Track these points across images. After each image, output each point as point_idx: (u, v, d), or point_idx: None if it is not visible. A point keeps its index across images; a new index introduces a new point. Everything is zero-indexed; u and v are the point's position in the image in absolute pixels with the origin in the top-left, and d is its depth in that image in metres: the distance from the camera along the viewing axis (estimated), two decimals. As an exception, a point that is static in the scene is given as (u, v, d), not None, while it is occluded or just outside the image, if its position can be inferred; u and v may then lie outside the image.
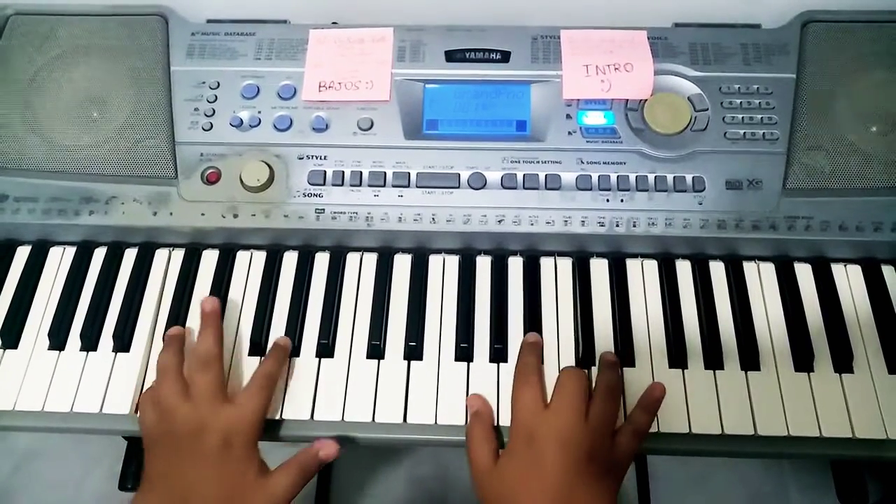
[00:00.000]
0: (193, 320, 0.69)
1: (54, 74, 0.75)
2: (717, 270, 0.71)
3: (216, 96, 0.74)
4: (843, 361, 0.65)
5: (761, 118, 0.71)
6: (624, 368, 0.66)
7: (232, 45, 0.76)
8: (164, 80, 0.74)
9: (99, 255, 0.72)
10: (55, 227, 0.71)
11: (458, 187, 0.70)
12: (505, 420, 0.63)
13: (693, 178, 0.70)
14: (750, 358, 0.66)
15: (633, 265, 0.71)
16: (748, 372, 0.65)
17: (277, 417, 0.63)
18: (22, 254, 0.72)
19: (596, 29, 0.76)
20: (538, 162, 0.71)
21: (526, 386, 0.62)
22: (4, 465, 1.27)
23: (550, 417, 0.59)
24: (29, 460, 1.27)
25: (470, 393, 0.65)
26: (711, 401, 0.64)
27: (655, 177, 0.70)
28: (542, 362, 0.65)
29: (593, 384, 0.63)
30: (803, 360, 0.65)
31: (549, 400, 0.61)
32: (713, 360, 0.66)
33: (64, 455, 1.27)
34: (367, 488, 1.22)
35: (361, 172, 0.71)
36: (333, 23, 0.78)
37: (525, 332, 0.67)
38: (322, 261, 0.72)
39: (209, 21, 0.78)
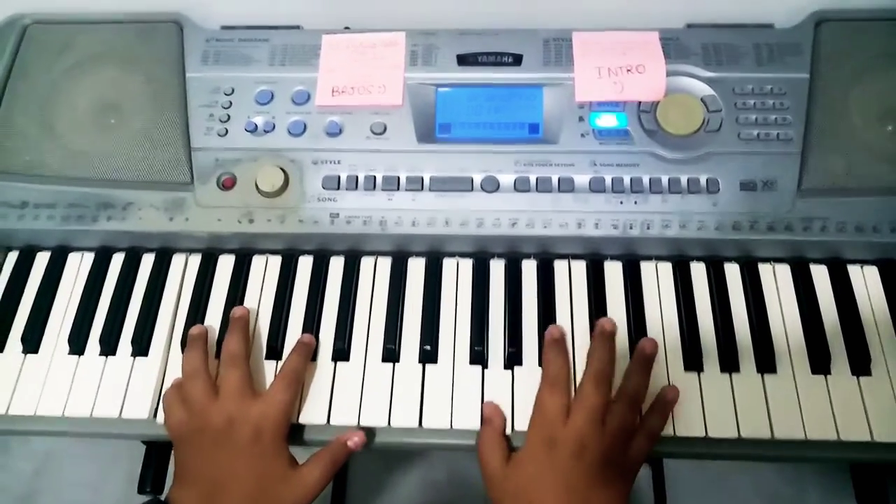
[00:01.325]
0: (210, 324, 0.69)
1: (72, 82, 0.76)
2: (733, 272, 0.70)
3: (231, 102, 0.74)
4: (860, 364, 0.65)
5: (775, 118, 0.71)
6: (637, 370, 0.65)
7: (246, 52, 0.76)
8: (180, 86, 0.75)
9: (117, 260, 0.73)
10: (74, 233, 0.72)
11: (472, 190, 0.70)
12: (519, 425, 0.63)
13: (707, 179, 0.69)
14: (766, 360, 0.65)
15: (647, 267, 0.71)
16: (764, 374, 0.65)
17: (294, 421, 0.64)
18: (42, 260, 0.73)
19: (607, 31, 0.76)
20: (551, 164, 0.71)
21: (554, 391, 0.62)
22: (26, 468, 1.28)
23: (570, 427, 0.59)
24: (50, 462, 1.29)
25: (485, 396, 0.65)
26: (727, 404, 0.63)
27: (669, 178, 0.70)
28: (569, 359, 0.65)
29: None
30: (820, 362, 0.65)
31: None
32: (729, 362, 0.65)
33: (84, 458, 1.28)
34: (381, 492, 1.22)
35: (375, 176, 0.71)
36: (346, 28, 0.79)
37: (540, 336, 0.67)
38: (337, 265, 0.72)
39: (223, 28, 0.79)
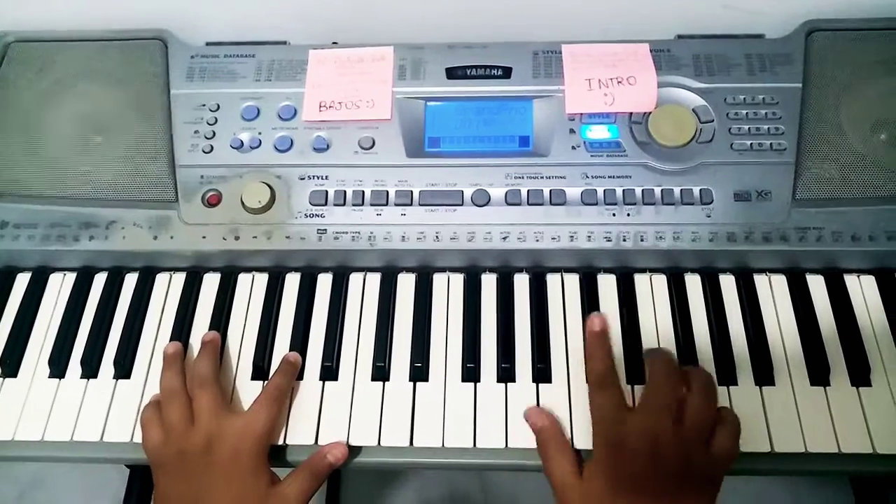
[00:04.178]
0: (195, 345, 0.67)
1: (54, 100, 0.75)
2: (728, 284, 0.69)
3: (216, 118, 0.73)
4: (860, 374, 0.64)
5: (768, 128, 0.70)
6: (634, 386, 0.64)
7: (231, 67, 0.75)
8: (164, 103, 0.74)
9: (99, 280, 0.71)
10: (55, 253, 0.70)
11: (462, 204, 0.69)
12: (514, 442, 0.61)
13: (700, 190, 0.69)
14: (764, 373, 0.64)
15: (641, 280, 0.70)
16: (762, 387, 0.64)
17: (281, 443, 0.62)
18: (22, 281, 0.72)
19: (597, 43, 0.75)
20: (542, 177, 0.70)
21: (602, 390, 0.59)
22: (9, 493, 1.26)
23: (638, 419, 0.56)
24: (33, 488, 1.26)
25: (478, 414, 0.63)
26: (726, 418, 0.62)
27: (662, 190, 0.69)
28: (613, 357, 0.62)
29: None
30: (819, 373, 0.64)
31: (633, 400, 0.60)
32: (726, 375, 0.64)
33: (68, 483, 1.26)
34: (375, 510, 1.21)
35: (363, 192, 0.70)
36: (333, 43, 0.78)
37: (533, 351, 0.66)
38: (325, 282, 0.70)
39: (208, 44, 0.78)
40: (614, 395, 0.59)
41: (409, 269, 0.71)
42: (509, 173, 0.70)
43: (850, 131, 0.70)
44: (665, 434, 0.55)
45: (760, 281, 0.69)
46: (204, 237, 0.69)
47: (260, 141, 0.72)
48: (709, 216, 0.68)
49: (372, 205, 0.70)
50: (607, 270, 0.70)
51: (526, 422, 0.61)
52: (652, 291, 0.69)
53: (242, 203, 0.69)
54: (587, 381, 0.62)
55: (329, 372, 0.65)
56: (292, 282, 0.71)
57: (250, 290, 0.70)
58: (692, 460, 0.54)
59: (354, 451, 0.62)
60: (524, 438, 0.61)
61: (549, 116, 0.72)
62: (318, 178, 0.71)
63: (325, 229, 0.69)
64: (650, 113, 0.72)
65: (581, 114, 0.72)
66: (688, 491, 0.54)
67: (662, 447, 0.54)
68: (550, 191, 0.69)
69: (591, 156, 0.70)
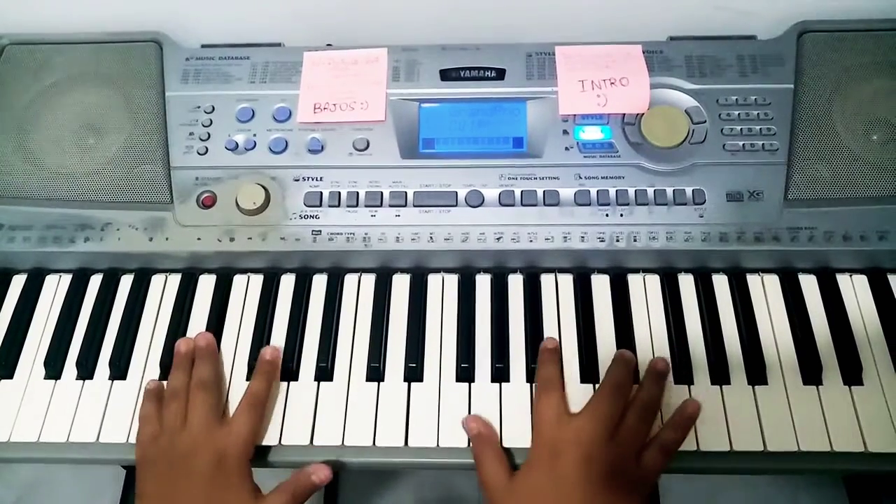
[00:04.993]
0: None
1: (50, 102, 0.75)
2: (721, 284, 0.70)
3: (211, 120, 0.73)
4: (852, 374, 0.64)
5: (760, 129, 0.71)
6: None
7: (226, 70, 0.76)
8: (159, 105, 0.74)
9: (95, 282, 0.72)
10: (50, 255, 0.70)
11: (456, 205, 0.70)
12: (509, 441, 0.62)
13: (693, 190, 0.69)
14: (757, 372, 0.64)
15: (634, 280, 0.70)
16: (755, 386, 0.64)
17: (276, 443, 0.62)
18: (17, 283, 0.72)
19: (590, 44, 0.76)
20: (536, 178, 0.70)
21: (547, 397, 0.61)
22: (7, 497, 1.26)
23: (574, 427, 0.59)
24: (31, 492, 1.26)
25: (472, 414, 0.63)
26: (719, 417, 0.62)
27: (655, 190, 0.69)
28: (562, 369, 0.65)
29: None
30: (811, 373, 0.64)
31: (576, 409, 0.61)
32: (719, 375, 0.65)
33: (66, 486, 1.26)
34: (373, 511, 1.21)
35: (358, 193, 0.70)
36: (328, 45, 0.78)
37: (527, 351, 0.66)
38: (320, 283, 0.71)
39: (203, 46, 0.78)
40: (557, 400, 0.61)
41: (403, 270, 0.71)
42: (503, 174, 0.71)
43: (841, 132, 0.70)
44: (596, 447, 0.58)
45: (753, 281, 0.70)
46: (199, 238, 0.69)
47: (255, 142, 0.72)
48: (701, 216, 0.68)
49: (366, 206, 0.70)
50: (601, 271, 0.71)
51: (463, 428, 0.62)
52: (645, 291, 0.70)
53: (237, 204, 0.70)
54: (536, 388, 0.63)
55: (324, 373, 0.66)
56: (287, 283, 0.71)
57: (245, 291, 0.71)
58: (619, 470, 0.57)
59: (350, 451, 0.62)
60: (519, 438, 0.62)
61: (543, 118, 0.73)
62: (312, 179, 0.71)
63: (320, 230, 0.69)
64: (643, 114, 0.72)
65: (574, 115, 0.72)
66: (615, 495, 0.56)
67: (593, 458, 0.57)
68: (544, 191, 0.69)
69: (585, 157, 0.71)
